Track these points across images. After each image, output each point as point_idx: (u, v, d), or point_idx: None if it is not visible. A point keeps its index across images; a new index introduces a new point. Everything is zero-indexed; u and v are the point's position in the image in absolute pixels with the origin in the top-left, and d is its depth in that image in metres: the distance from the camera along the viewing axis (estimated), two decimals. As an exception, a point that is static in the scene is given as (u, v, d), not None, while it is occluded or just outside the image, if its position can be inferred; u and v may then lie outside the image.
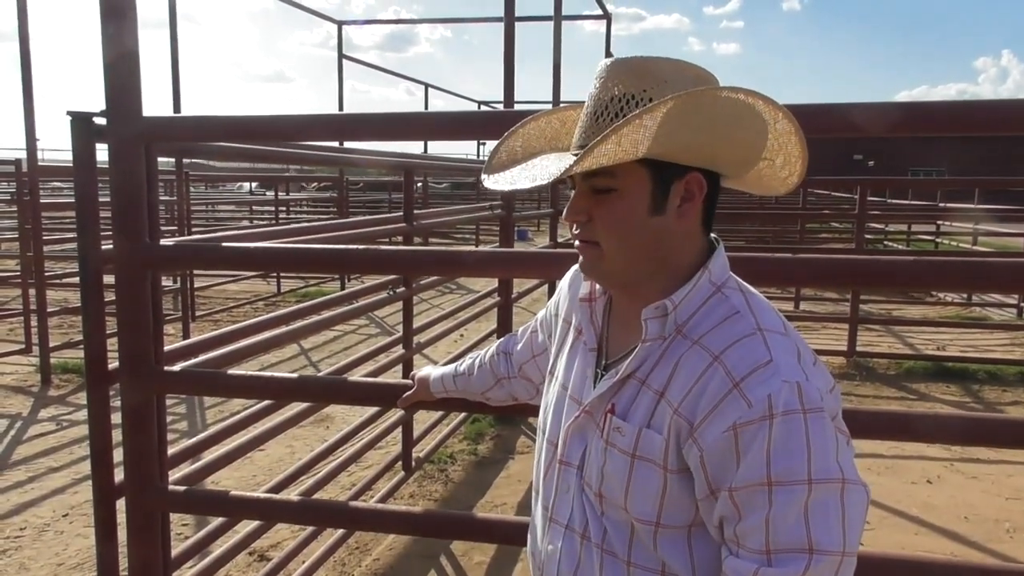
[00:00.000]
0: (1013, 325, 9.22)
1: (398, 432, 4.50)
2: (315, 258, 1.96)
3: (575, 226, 1.15)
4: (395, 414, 4.27)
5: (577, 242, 1.16)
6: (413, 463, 4.48)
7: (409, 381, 1.90)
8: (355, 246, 2.19)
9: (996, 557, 3.91)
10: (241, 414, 2.70)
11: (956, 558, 3.77)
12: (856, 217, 7.22)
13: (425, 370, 1.87)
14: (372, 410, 4.07)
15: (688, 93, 1.03)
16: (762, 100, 1.10)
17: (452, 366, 1.79)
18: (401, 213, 3.92)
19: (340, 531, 3.60)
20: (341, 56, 11.30)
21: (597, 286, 1.28)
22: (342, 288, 11.37)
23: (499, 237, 5.68)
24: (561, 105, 1.28)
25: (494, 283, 6.38)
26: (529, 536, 1.36)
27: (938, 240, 14.03)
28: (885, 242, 14.72)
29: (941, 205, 12.69)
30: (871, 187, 11.16)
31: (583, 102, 1.16)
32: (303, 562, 3.34)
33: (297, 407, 3.01)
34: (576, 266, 1.42)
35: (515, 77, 5.74)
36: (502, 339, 1.71)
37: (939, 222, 13.07)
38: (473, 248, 1.92)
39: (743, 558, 1.03)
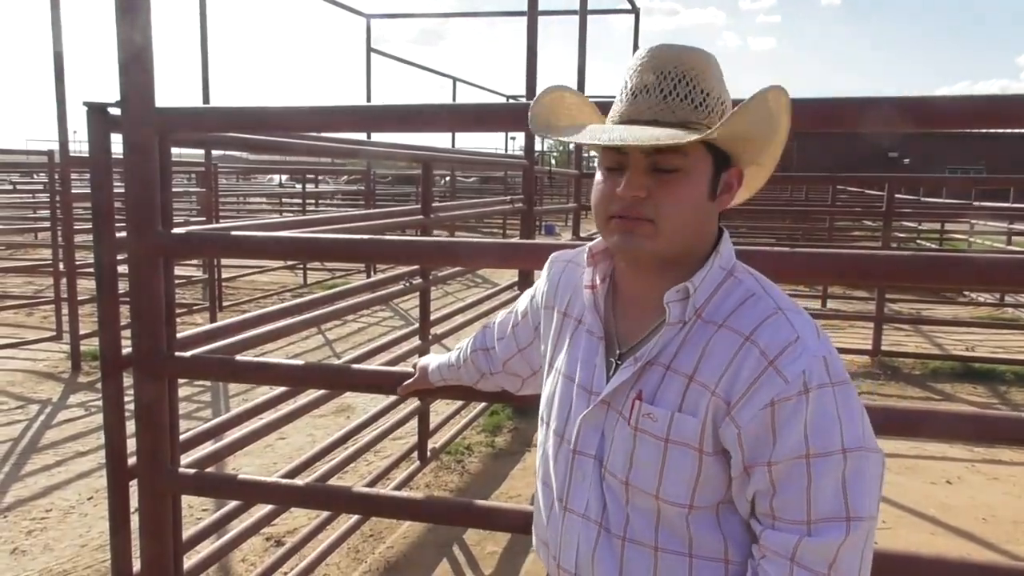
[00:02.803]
0: (1047, 327, 9.03)
1: (415, 422, 4.54)
2: (319, 247, 1.99)
3: (616, 203, 1.13)
4: (412, 404, 4.31)
5: (617, 219, 1.14)
6: (428, 453, 4.52)
7: (410, 370, 1.93)
8: (359, 236, 2.22)
9: (1015, 559, 3.85)
10: (259, 400, 2.75)
11: (969, 557, 3.72)
12: (883, 215, 7.12)
13: (426, 359, 1.89)
14: (390, 399, 4.11)
15: (778, 86, 1.09)
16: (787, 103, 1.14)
17: (447, 356, 1.81)
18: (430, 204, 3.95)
19: (354, 518, 3.65)
20: (369, 50, 11.37)
21: (599, 274, 1.28)
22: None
23: (520, 231, 5.69)
24: (553, 87, 1.27)
25: (514, 276, 6.40)
26: (536, 527, 1.37)
27: (971, 239, 13.78)
28: (918, 240, 14.48)
29: (975, 204, 12.46)
30: (905, 184, 10.97)
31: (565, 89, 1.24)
32: (316, 548, 3.40)
33: (313, 395, 3.06)
34: (557, 255, 1.43)
35: (538, 71, 5.75)
36: (477, 334, 1.71)
37: (973, 221, 12.85)
38: (470, 239, 1.95)
39: (781, 530, 1.08)
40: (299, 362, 2.08)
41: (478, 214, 5.58)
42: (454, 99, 15.56)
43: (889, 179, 7.41)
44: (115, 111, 2.02)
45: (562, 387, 1.29)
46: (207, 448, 2.40)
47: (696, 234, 1.17)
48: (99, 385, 6.56)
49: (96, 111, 2.02)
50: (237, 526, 2.69)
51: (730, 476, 1.12)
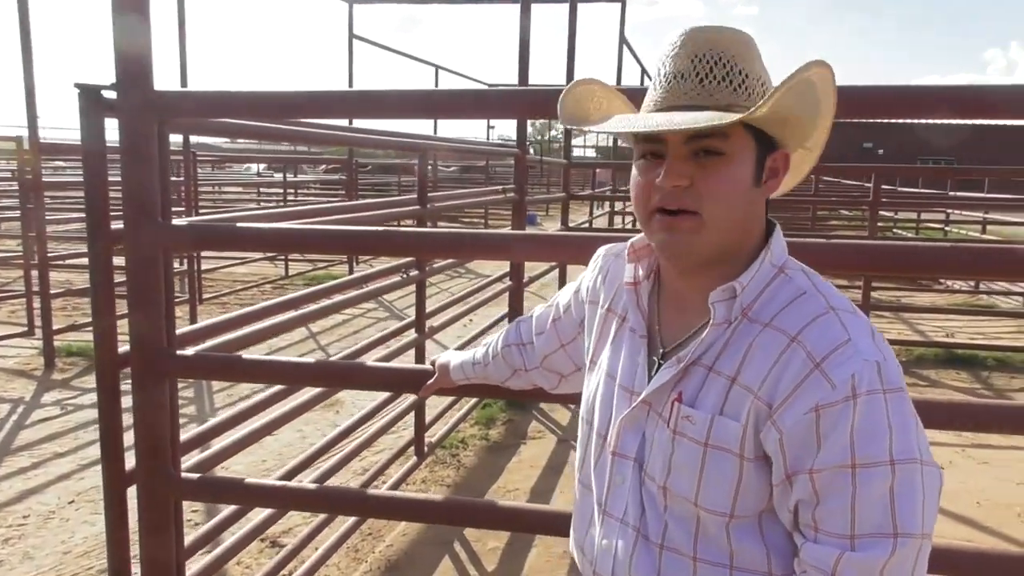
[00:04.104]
0: (1020, 313, 9.16)
1: (410, 417, 4.45)
2: (333, 239, 1.89)
3: (657, 195, 1.06)
4: (407, 399, 4.21)
5: (660, 214, 1.06)
6: (425, 448, 4.43)
7: (429, 367, 1.84)
8: (372, 228, 2.11)
9: (1009, 542, 3.88)
10: (252, 399, 2.64)
11: (975, 544, 3.73)
12: (870, 205, 7.13)
13: (445, 356, 1.81)
14: (384, 395, 4.02)
15: (822, 61, 1.02)
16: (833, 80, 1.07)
17: (470, 353, 1.72)
18: (414, 195, 3.85)
19: (353, 517, 3.56)
20: (352, 37, 11.18)
21: (641, 269, 1.21)
22: (350, 272, 11.32)
23: (511, 221, 5.60)
24: (583, 80, 1.20)
25: (505, 267, 6.32)
26: (574, 530, 1.30)
27: (947, 228, 13.96)
28: (894, 230, 14.62)
29: (951, 194, 12.60)
30: (885, 174, 11.05)
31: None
32: (316, 548, 3.30)
33: (309, 391, 2.96)
34: (606, 248, 1.36)
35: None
36: (509, 328, 1.63)
37: (948, 211, 12.99)
38: (498, 231, 1.87)
39: (823, 543, 1.00)
40: (309, 360, 1.98)
41: (474, 204, 5.48)
42: (436, 87, 15.38)
43: (875, 169, 7.41)
44: (110, 94, 1.90)
45: (604, 386, 1.23)
46: (206, 451, 2.30)
47: (743, 225, 1.10)
48: (75, 383, 6.39)
49: (89, 94, 1.89)
50: (236, 529, 2.59)
51: (771, 484, 1.05)
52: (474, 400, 5.34)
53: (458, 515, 1.97)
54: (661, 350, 1.16)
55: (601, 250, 1.37)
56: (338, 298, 3.29)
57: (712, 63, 1.04)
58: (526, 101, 1.73)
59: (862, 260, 1.63)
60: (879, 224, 13.75)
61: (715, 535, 1.08)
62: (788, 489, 1.03)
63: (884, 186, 12.74)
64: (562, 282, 7.77)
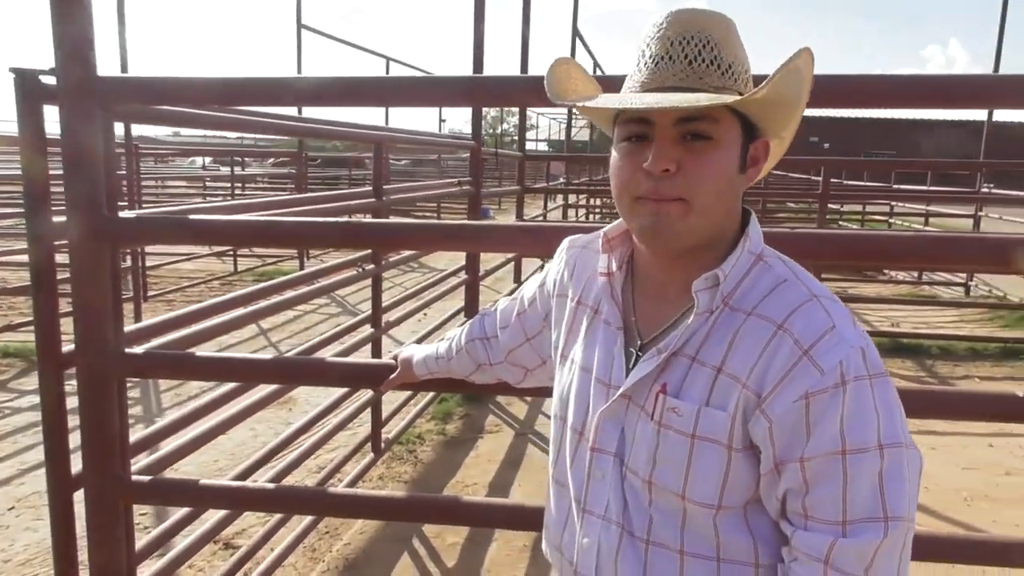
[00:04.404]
0: (962, 303, 9.47)
1: (365, 414, 4.38)
2: (293, 232, 1.82)
3: (644, 182, 1.03)
4: (364, 395, 4.15)
5: (647, 201, 1.04)
6: (383, 444, 4.37)
7: (392, 362, 1.79)
8: (339, 219, 2.05)
9: (958, 526, 3.98)
10: (201, 398, 2.55)
11: (926, 528, 3.83)
12: (820, 197, 7.26)
13: (407, 351, 1.77)
14: (339, 391, 3.95)
15: (809, 49, 1.01)
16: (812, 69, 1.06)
17: (433, 347, 1.68)
18: (368, 188, 3.78)
19: (310, 517, 3.48)
20: (300, 26, 10.94)
21: (615, 260, 1.19)
22: (301, 267, 11.14)
23: (467, 214, 5.56)
24: (562, 59, 1.17)
25: (459, 261, 6.27)
26: (548, 529, 1.27)
27: (891, 220, 14.34)
28: (840, 222, 14.97)
29: (895, 187, 12.95)
30: (833, 167, 11.29)
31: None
32: (272, 549, 3.23)
33: (261, 389, 2.87)
34: (570, 240, 1.33)
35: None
36: (473, 322, 1.59)
37: (892, 203, 13.34)
38: (471, 222, 1.82)
39: (815, 531, 0.99)
40: (266, 356, 1.91)
41: (430, 196, 5.42)
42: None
43: (824, 163, 7.55)
44: (49, 80, 1.80)
45: (579, 380, 1.19)
46: (160, 451, 2.21)
47: (727, 212, 1.09)
48: (13, 384, 6.15)
49: (26, 80, 1.80)
50: (187, 532, 2.50)
51: (759, 473, 1.05)
52: (431, 395, 5.29)
53: (420, 511, 1.93)
54: (639, 341, 1.14)
55: (565, 242, 1.34)
56: (291, 294, 3.20)
57: (700, 46, 1.02)
58: (529, 87, 1.65)
59: (827, 249, 1.63)
60: (827, 216, 14.12)
61: (702, 528, 1.07)
62: (776, 478, 1.02)
63: (832, 179, 13.06)
64: (517, 275, 7.77)
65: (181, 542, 2.48)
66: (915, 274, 11.07)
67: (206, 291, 9.78)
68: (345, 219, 1.91)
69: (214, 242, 5.12)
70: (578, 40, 10.47)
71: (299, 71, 11.57)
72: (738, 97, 1.00)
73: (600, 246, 1.20)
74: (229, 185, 13.38)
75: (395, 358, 1.78)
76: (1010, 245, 1.48)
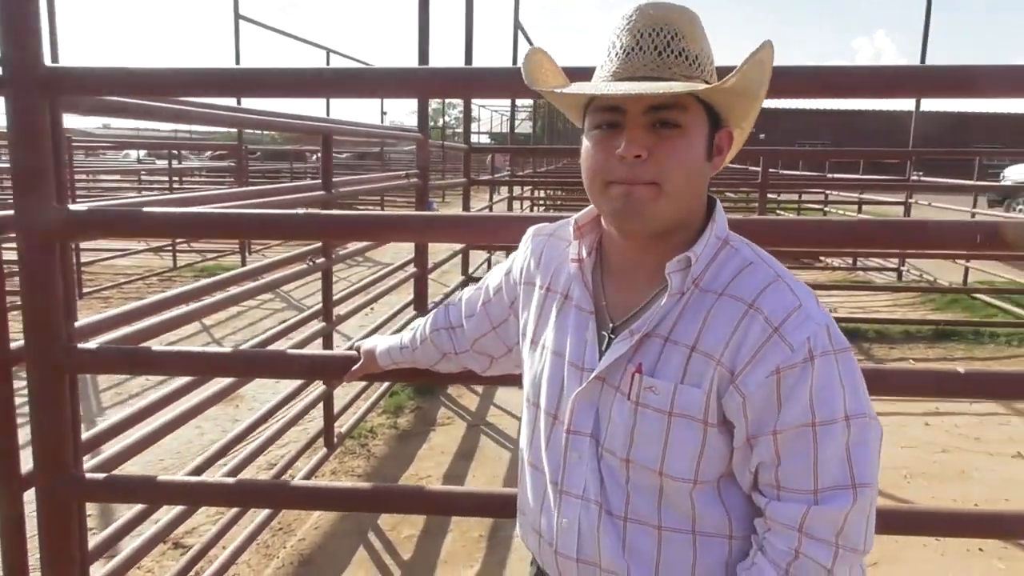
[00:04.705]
0: (895, 287, 9.82)
1: (315, 410, 4.34)
2: (252, 223, 1.79)
3: (617, 168, 1.07)
4: (315, 389, 4.11)
5: (619, 185, 1.08)
6: (335, 439, 4.33)
7: (353, 353, 1.80)
8: (300, 211, 2.03)
9: (898, 502, 4.15)
10: (144, 396, 2.50)
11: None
12: (759, 186, 7.46)
13: (369, 342, 1.77)
14: (289, 387, 3.91)
15: (771, 41, 1.05)
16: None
17: (397, 338, 1.70)
18: (316, 180, 3.75)
19: (263, 513, 3.45)
20: (237, 17, 10.71)
21: (584, 246, 1.22)
22: (243, 262, 10.93)
23: (415, 206, 5.54)
24: (535, 50, 1.20)
25: (405, 255, 6.25)
26: (524, 513, 1.30)
27: (826, 209, 14.77)
28: (778, 211, 15.34)
29: (829, 176, 13.34)
30: (771, 157, 11.59)
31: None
32: (224, 548, 3.18)
33: (211, 386, 2.83)
34: (535, 229, 1.37)
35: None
36: (437, 312, 1.61)
37: (827, 192, 13.74)
38: (434, 213, 1.84)
39: (788, 500, 1.05)
40: (225, 349, 1.89)
41: (379, 189, 5.39)
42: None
43: (762, 153, 7.74)
44: (-8, 70, 1.75)
45: (551, 365, 1.22)
46: (104, 453, 2.16)
47: (695, 197, 1.13)
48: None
49: (-32, 69, 1.74)
50: (134, 533, 2.46)
51: (732, 448, 1.10)
52: (382, 389, 5.27)
53: (384, 501, 1.93)
54: (611, 324, 1.17)
55: (531, 231, 1.37)
56: (236, 289, 3.15)
57: (669, 37, 1.07)
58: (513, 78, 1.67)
59: (775, 237, 1.69)
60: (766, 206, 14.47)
61: (679, 503, 1.11)
62: (749, 452, 1.08)
63: (770, 169, 13.38)
64: (464, 267, 7.77)
65: (130, 543, 2.44)
66: (850, 260, 11.46)
67: (144, 288, 9.53)
68: (327, 211, 1.89)
69: (172, 235, 4.95)
70: (520, 32, 10.50)
71: (237, 63, 11.33)
72: (708, 85, 1.04)
73: (571, 233, 1.23)
74: (166, 179, 13.04)
75: (356, 350, 1.78)
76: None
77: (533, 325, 1.29)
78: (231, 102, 5.53)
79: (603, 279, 1.22)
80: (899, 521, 1.84)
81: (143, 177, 15.49)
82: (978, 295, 8.74)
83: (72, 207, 1.79)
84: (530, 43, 12.16)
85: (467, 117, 7.91)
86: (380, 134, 6.71)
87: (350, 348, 1.83)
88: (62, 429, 1.85)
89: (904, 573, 3.33)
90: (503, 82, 1.65)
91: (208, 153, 24.29)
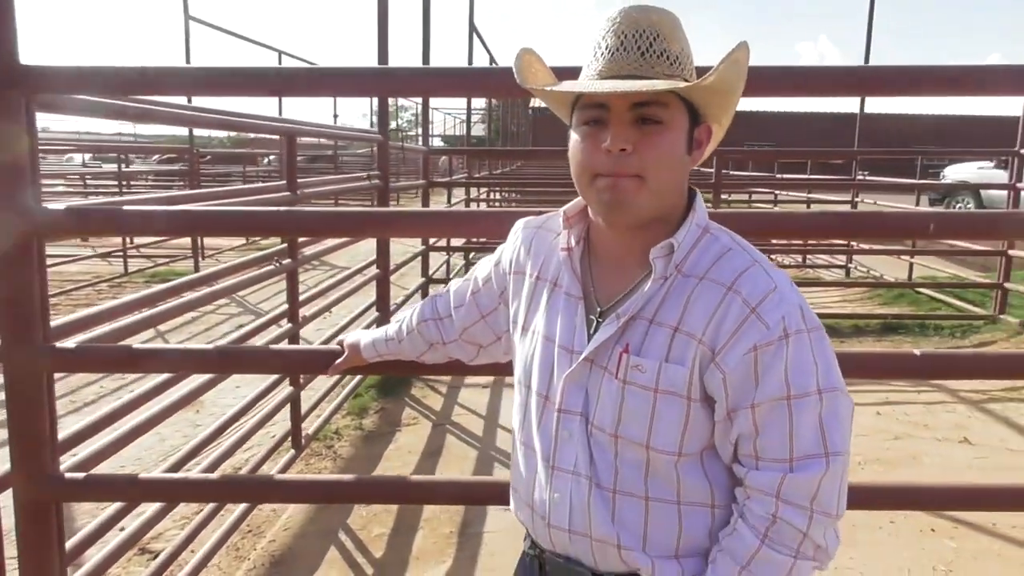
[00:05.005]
0: (844, 283, 10.12)
1: (278, 414, 4.31)
2: (235, 221, 1.81)
3: (603, 160, 1.13)
4: (281, 392, 4.10)
5: (605, 177, 1.14)
6: (303, 440, 4.32)
7: (336, 348, 1.83)
8: (322, 208, 2.04)
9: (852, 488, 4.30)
10: (105, 403, 2.47)
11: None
12: (713, 186, 7.63)
13: (353, 336, 1.81)
14: (254, 391, 3.88)
15: (746, 42, 1.12)
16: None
17: (382, 331, 1.74)
18: (282, 182, 3.75)
19: (233, 516, 3.43)
20: (188, 18, 10.54)
21: (573, 237, 1.28)
22: (196, 268, 10.76)
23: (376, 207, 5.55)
24: (525, 50, 1.26)
25: (361, 258, 6.24)
26: (517, 491, 1.36)
27: (775, 208, 15.13)
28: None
29: (778, 176, 13.66)
30: (723, 158, 11.84)
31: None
32: (194, 552, 3.16)
33: (173, 392, 2.80)
34: (524, 222, 1.43)
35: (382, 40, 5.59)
36: (424, 304, 1.66)
37: (776, 191, 14.07)
38: (441, 209, 1.84)
39: (765, 469, 1.13)
40: (208, 346, 1.89)
41: (342, 190, 5.39)
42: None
43: (716, 153, 7.91)
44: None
45: (542, 349, 1.29)
46: (80, 454, 2.15)
47: (676, 189, 1.20)
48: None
49: (-61, 68, 1.72)
50: (105, 538, 2.43)
51: (714, 422, 1.17)
52: (347, 391, 5.27)
53: (368, 493, 1.96)
54: (598, 309, 1.24)
55: (518, 224, 1.44)
56: (193, 294, 3.13)
57: (651, 38, 1.13)
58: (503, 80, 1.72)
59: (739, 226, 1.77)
60: (720, 206, 14.78)
61: (664, 475, 1.18)
62: (729, 425, 1.15)
63: (722, 170, 13.66)
64: (425, 269, 7.78)
65: (97, 552, 2.41)
66: (799, 258, 11.77)
67: (94, 295, 9.32)
68: (333, 208, 1.91)
69: (151, 233, 4.80)
70: (475, 35, 10.56)
71: (187, 63, 11.15)
72: (688, 83, 1.11)
73: (559, 224, 1.30)
74: (111, 182, 12.75)
75: (340, 344, 1.82)
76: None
77: (524, 312, 1.35)
78: (182, 101, 5.48)
79: (590, 267, 1.28)
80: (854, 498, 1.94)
81: (88, 181, 15.12)
82: (922, 290, 9.06)
83: (51, 206, 1.78)
84: (484, 46, 12.22)
85: (425, 119, 7.93)
86: (342, 135, 6.70)
87: (336, 343, 1.86)
88: (40, 429, 1.83)
89: (860, 555, 3.46)
90: (503, 82, 1.69)
91: (156, 156, 23.77)
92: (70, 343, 1.87)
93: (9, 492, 1.89)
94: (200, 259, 11.34)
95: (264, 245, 14.24)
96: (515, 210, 1.42)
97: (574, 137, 1.20)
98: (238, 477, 2.51)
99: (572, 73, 1.22)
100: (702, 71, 1.15)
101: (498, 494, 1.69)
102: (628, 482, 1.19)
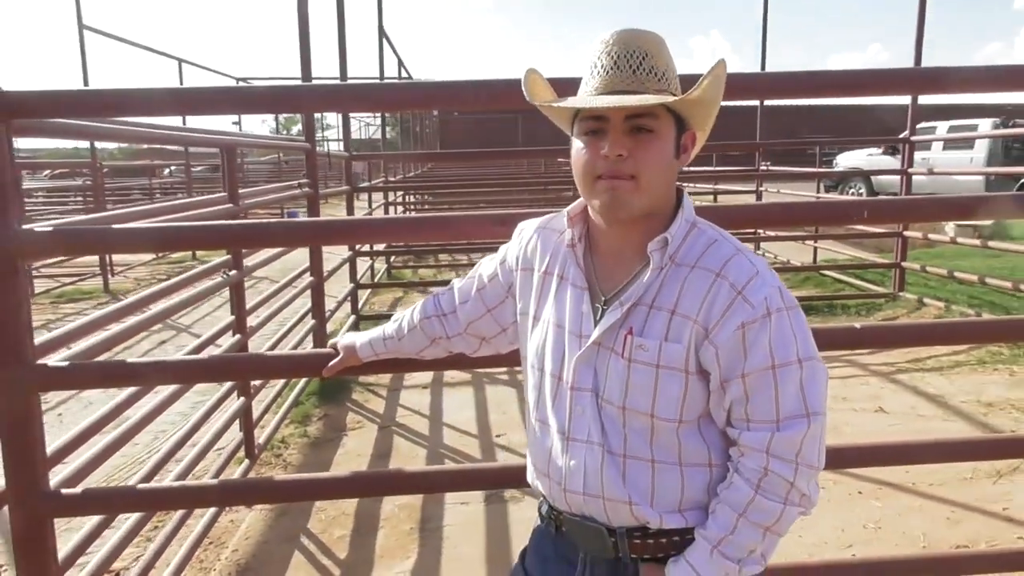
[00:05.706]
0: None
1: (227, 428, 4.30)
2: (238, 234, 1.86)
3: (602, 164, 1.30)
4: (229, 406, 4.09)
5: (603, 179, 1.31)
6: (256, 449, 4.32)
7: (329, 350, 1.92)
8: (312, 219, 2.10)
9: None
10: (91, 409, 2.47)
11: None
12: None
13: (347, 338, 1.90)
14: (201, 407, 3.87)
15: (724, 62, 1.30)
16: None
17: (378, 330, 1.85)
18: (223, 194, 3.76)
19: (196, 530, 3.43)
20: (82, 27, 10.16)
21: (576, 234, 1.43)
22: (105, 286, 10.41)
23: (307, 214, 5.57)
24: (530, 70, 1.42)
25: (291, 268, 6.23)
26: (534, 464, 1.51)
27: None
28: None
29: (687, 168, 14.14)
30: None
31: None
32: (160, 570, 3.15)
33: (160, 396, 2.79)
34: (527, 223, 1.60)
35: (302, 51, 5.60)
36: (425, 302, 1.78)
37: (683, 184, 14.61)
38: (428, 216, 1.92)
39: (755, 430, 1.31)
40: (202, 356, 1.94)
41: (279, 200, 5.40)
42: (181, 82, 14.41)
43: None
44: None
45: (553, 335, 1.45)
46: (71, 465, 2.15)
47: (666, 189, 1.38)
48: None
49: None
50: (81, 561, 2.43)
51: (709, 391, 1.35)
52: (290, 399, 5.29)
53: (371, 486, 2.03)
54: (602, 297, 1.41)
55: (522, 225, 1.61)
56: (162, 304, 3.12)
57: (641, 58, 1.31)
58: (494, 92, 1.85)
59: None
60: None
61: (667, 439, 1.36)
62: (723, 393, 1.34)
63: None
64: (352, 274, 7.79)
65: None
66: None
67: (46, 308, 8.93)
68: (316, 219, 1.97)
69: (142, 250, 4.71)
70: (385, 40, 10.57)
71: (84, 76, 10.74)
72: (675, 97, 1.29)
73: (563, 224, 1.47)
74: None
75: (334, 346, 1.91)
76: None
77: (534, 304, 1.51)
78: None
79: (592, 260, 1.45)
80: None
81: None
82: (827, 272, 9.64)
83: (32, 227, 1.80)
84: (395, 52, 12.24)
85: (346, 126, 7.93)
86: (274, 145, 6.65)
87: (330, 346, 1.95)
88: (31, 447, 1.85)
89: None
90: (506, 93, 1.83)
91: (47, 172, 22.66)
92: (63, 362, 1.88)
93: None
94: (109, 276, 10.96)
95: (177, 259, 13.84)
96: (516, 212, 1.55)
97: (576, 145, 1.37)
98: (237, 481, 2.55)
99: (570, 87, 1.38)
100: (685, 82, 1.33)
101: (493, 477, 1.82)
102: (636, 448, 1.36)
